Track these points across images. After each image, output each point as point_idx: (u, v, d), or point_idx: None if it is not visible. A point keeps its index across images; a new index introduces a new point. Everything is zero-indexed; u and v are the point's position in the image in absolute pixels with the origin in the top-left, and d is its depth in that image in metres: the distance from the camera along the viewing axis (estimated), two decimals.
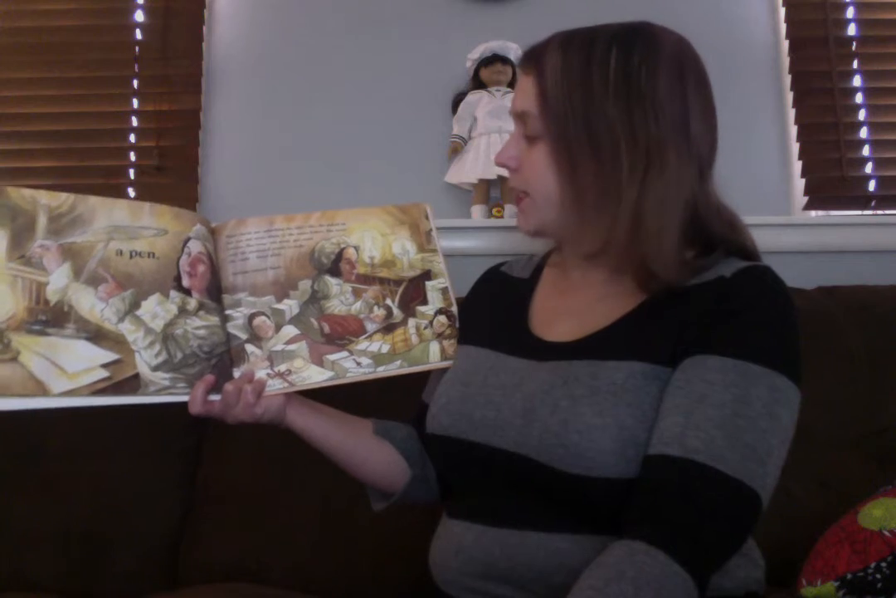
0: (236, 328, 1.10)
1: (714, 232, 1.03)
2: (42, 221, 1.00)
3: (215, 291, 1.11)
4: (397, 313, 1.18)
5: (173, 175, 2.23)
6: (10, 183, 1.00)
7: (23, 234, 0.99)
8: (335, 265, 1.17)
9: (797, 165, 2.21)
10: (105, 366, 0.99)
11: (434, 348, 1.18)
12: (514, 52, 2.15)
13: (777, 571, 1.18)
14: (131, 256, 1.05)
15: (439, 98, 2.24)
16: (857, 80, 2.22)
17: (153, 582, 1.62)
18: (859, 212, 2.23)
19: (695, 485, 0.86)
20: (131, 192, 2.22)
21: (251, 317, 1.11)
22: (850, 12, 2.26)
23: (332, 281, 1.16)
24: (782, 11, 2.27)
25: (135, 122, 2.26)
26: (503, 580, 0.97)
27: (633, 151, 0.97)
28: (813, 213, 2.25)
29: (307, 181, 2.24)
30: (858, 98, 2.22)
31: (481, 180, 2.11)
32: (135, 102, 2.26)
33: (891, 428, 1.64)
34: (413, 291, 1.20)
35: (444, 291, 1.22)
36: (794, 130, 2.22)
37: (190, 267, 1.09)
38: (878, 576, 1.22)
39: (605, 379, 0.94)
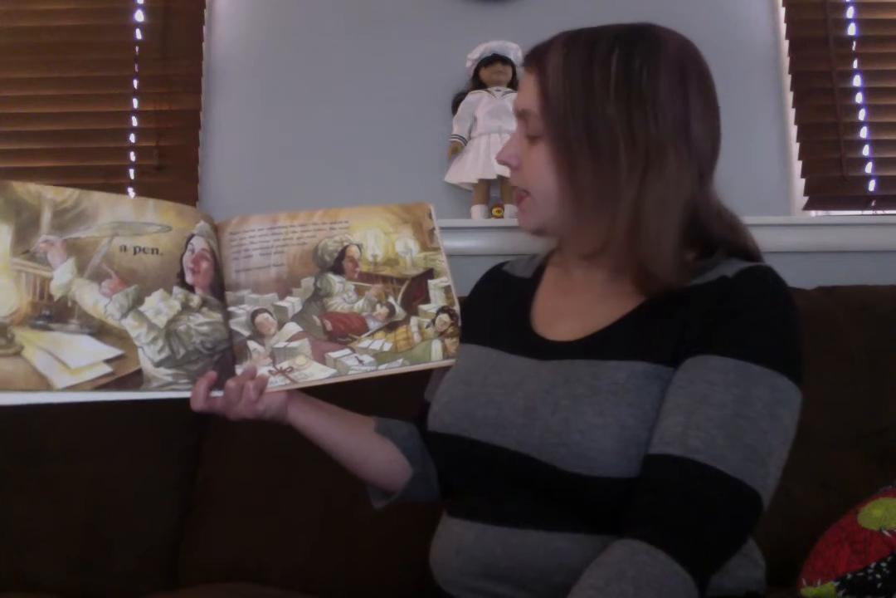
0: (239, 325, 1.11)
1: (714, 234, 1.03)
2: (47, 216, 1.00)
3: (218, 288, 1.11)
4: (400, 312, 1.18)
5: (173, 175, 2.23)
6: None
7: (27, 229, 0.99)
8: (338, 263, 1.17)
9: (797, 165, 2.21)
10: (108, 361, 0.99)
11: (436, 346, 1.18)
12: (514, 52, 2.15)
13: (777, 571, 1.18)
14: (135, 253, 1.05)
15: (439, 98, 2.24)
16: (857, 80, 2.23)
17: (153, 582, 1.61)
18: (859, 212, 2.23)
19: (695, 485, 0.86)
20: (131, 192, 2.22)
21: (254, 314, 1.12)
22: (850, 12, 2.26)
23: (334, 279, 1.17)
24: (782, 11, 2.27)
25: (135, 122, 2.26)
26: (504, 579, 0.96)
27: (632, 151, 0.97)
28: (813, 213, 2.25)
29: (307, 181, 2.23)
30: (858, 98, 2.22)
31: (481, 180, 2.11)
32: (135, 102, 2.26)
33: (891, 428, 1.64)
34: (415, 290, 1.20)
35: (447, 289, 1.22)
36: (794, 130, 2.23)
37: (193, 264, 1.09)
38: (878, 576, 1.22)
39: (607, 379, 0.94)
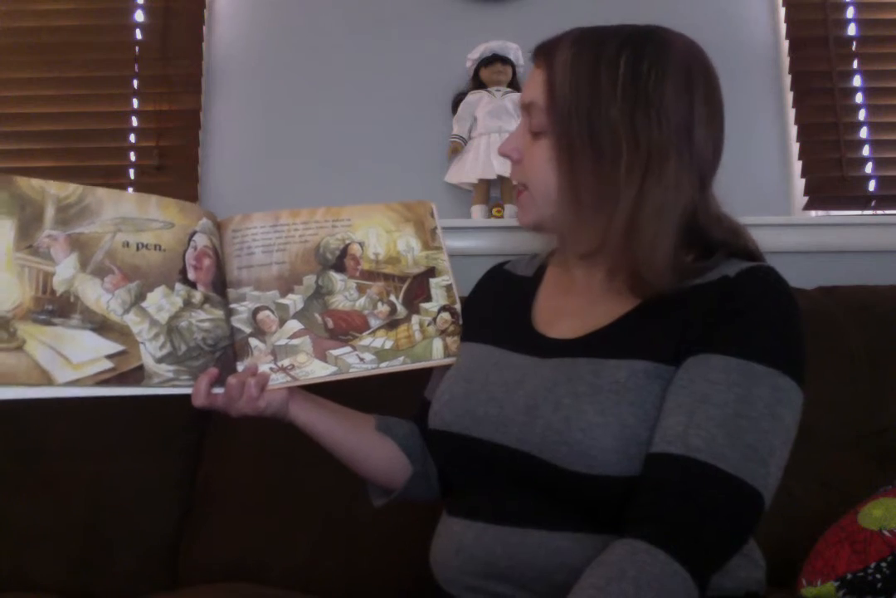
0: (240, 322, 1.11)
1: (714, 238, 1.03)
2: (50, 212, 1.00)
3: (220, 285, 1.11)
4: (401, 310, 1.18)
5: (173, 175, 2.23)
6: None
7: (31, 224, 0.99)
8: (340, 261, 1.17)
9: (797, 165, 2.21)
10: (110, 357, 0.99)
11: (437, 344, 1.18)
12: (514, 52, 2.15)
13: (777, 571, 1.18)
14: (138, 249, 1.05)
15: (439, 98, 2.24)
16: (857, 80, 2.23)
17: (153, 582, 1.61)
18: (859, 212, 2.23)
19: (696, 484, 0.86)
20: (131, 192, 2.21)
21: (255, 311, 1.12)
22: (850, 12, 2.26)
23: (336, 277, 1.16)
24: (782, 11, 2.27)
25: (135, 122, 2.26)
26: (504, 578, 0.96)
27: (634, 153, 0.97)
28: (813, 213, 2.26)
29: (307, 181, 2.23)
30: (858, 98, 2.22)
31: (481, 180, 2.11)
32: (135, 102, 2.26)
33: (891, 428, 1.65)
34: (417, 288, 1.20)
35: (448, 288, 1.22)
36: (794, 130, 2.23)
37: (195, 260, 1.09)
38: (878, 576, 1.22)
39: (608, 377, 0.94)
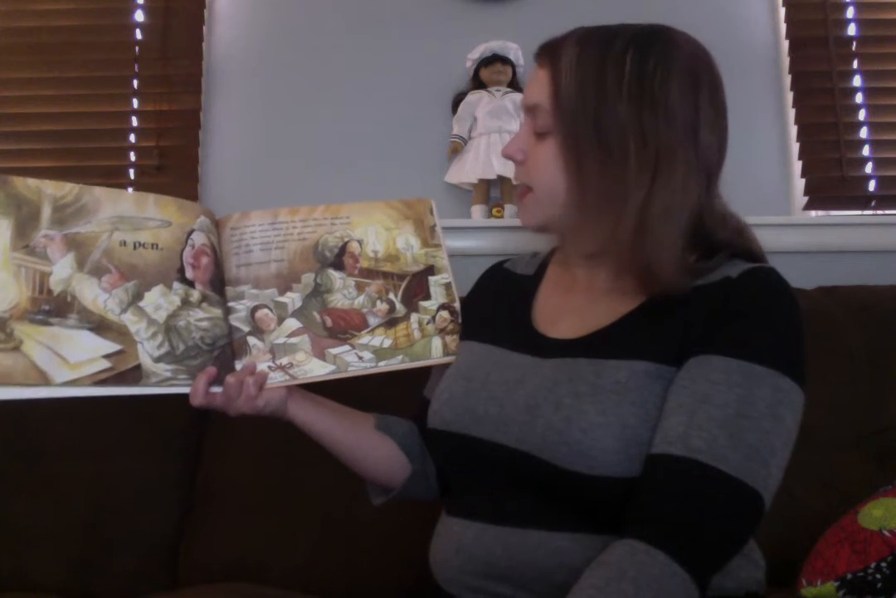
0: (239, 321, 1.10)
1: (719, 239, 1.03)
2: (47, 211, 1.00)
3: (218, 284, 1.11)
4: (400, 308, 1.18)
5: (173, 175, 2.22)
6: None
7: (27, 223, 0.99)
8: (338, 259, 1.17)
9: (797, 165, 2.21)
10: (107, 357, 0.99)
11: (436, 343, 1.18)
12: (514, 52, 2.15)
13: (777, 571, 1.18)
14: (135, 248, 1.05)
15: (439, 98, 2.24)
16: (857, 81, 2.23)
17: (153, 582, 1.61)
18: (859, 212, 2.23)
19: (697, 485, 0.86)
20: (129, 191, 2.21)
21: (254, 309, 1.11)
22: (850, 12, 2.26)
23: (335, 275, 1.16)
24: (782, 11, 2.27)
25: (135, 122, 2.25)
26: (504, 578, 0.96)
27: (643, 153, 0.97)
28: (813, 213, 2.25)
29: (307, 181, 2.23)
30: (858, 98, 2.22)
31: (481, 180, 2.11)
32: (135, 102, 2.26)
33: (891, 428, 1.64)
34: (416, 286, 1.20)
35: (448, 286, 1.22)
36: (794, 130, 2.22)
37: (193, 259, 1.09)
38: (878, 576, 1.22)
39: (609, 377, 0.94)
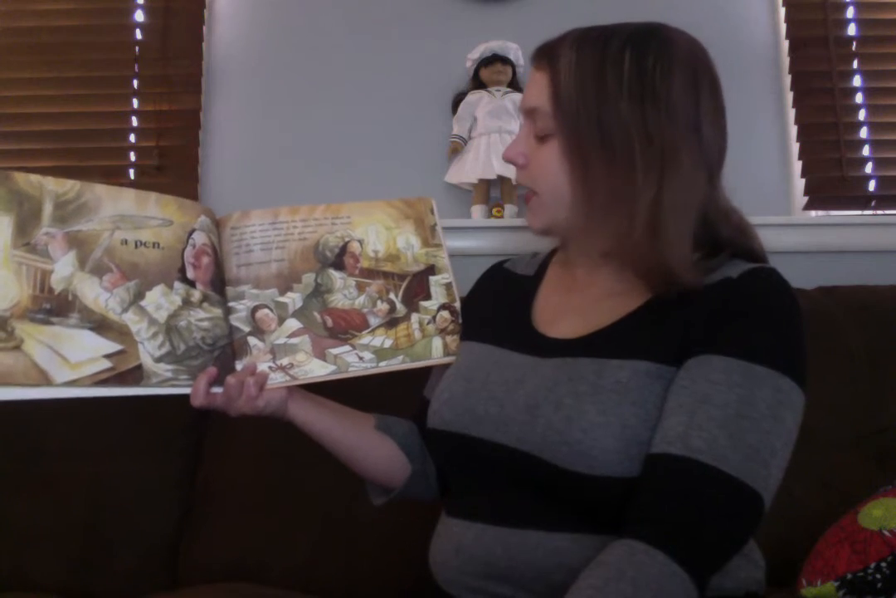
0: (239, 321, 1.10)
1: (723, 235, 1.03)
2: (48, 208, 1.00)
3: (219, 283, 1.11)
4: (400, 308, 1.18)
5: (173, 175, 2.22)
6: None
7: (29, 220, 0.98)
8: (339, 259, 1.17)
9: (797, 165, 2.21)
10: (108, 356, 0.98)
11: (437, 343, 1.18)
12: (514, 52, 2.15)
13: (777, 571, 1.18)
14: (136, 246, 1.04)
15: (439, 98, 2.24)
16: (857, 80, 2.23)
17: (153, 582, 1.61)
18: (859, 212, 2.23)
19: (697, 485, 0.85)
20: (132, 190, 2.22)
21: (254, 310, 1.11)
22: (850, 12, 2.26)
23: (335, 275, 1.16)
24: (782, 11, 2.27)
25: (135, 122, 2.25)
26: (503, 579, 0.96)
27: (648, 151, 0.97)
28: (813, 213, 2.25)
29: (307, 181, 2.23)
30: (858, 98, 2.22)
31: (481, 180, 2.11)
32: (135, 102, 2.26)
33: (891, 428, 1.64)
34: (417, 286, 1.20)
35: (448, 286, 1.22)
36: (794, 130, 2.22)
37: (194, 258, 1.08)
38: (878, 576, 1.22)
39: (610, 377, 0.94)
